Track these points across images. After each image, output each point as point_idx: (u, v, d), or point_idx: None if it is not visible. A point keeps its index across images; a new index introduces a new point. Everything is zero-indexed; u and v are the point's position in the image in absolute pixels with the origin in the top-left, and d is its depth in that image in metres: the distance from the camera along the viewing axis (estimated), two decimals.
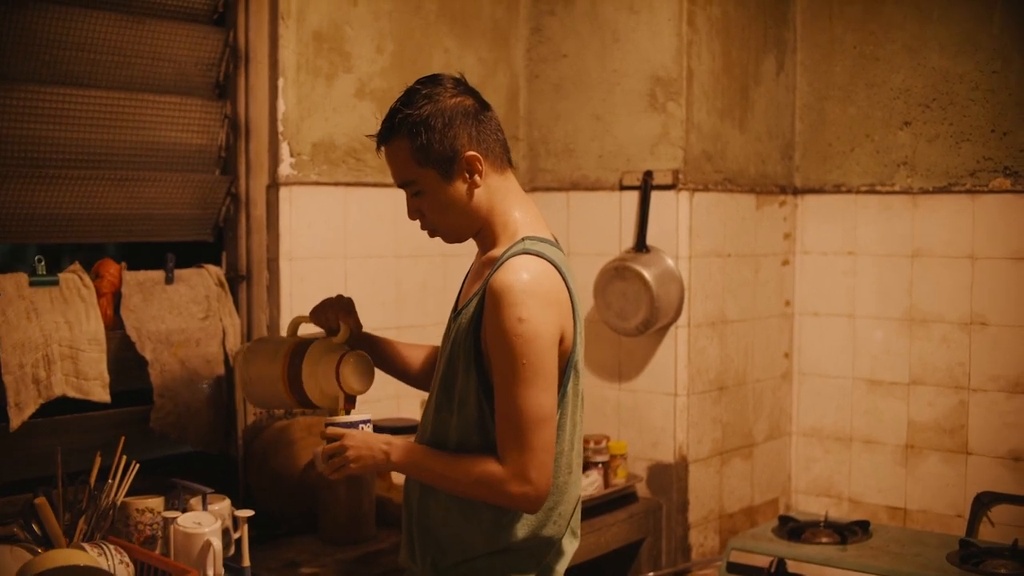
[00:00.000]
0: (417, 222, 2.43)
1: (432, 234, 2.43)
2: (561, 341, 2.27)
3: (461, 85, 2.37)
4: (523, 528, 2.34)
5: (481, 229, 2.39)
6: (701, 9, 3.77)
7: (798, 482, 4.30)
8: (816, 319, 4.23)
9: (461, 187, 2.32)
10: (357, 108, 3.55)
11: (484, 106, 2.37)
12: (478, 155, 2.32)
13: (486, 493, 2.26)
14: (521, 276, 2.21)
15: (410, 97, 2.33)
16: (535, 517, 2.34)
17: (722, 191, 3.90)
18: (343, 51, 3.50)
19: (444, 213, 2.35)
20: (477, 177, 2.32)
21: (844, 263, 4.16)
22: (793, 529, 3.70)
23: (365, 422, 2.49)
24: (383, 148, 2.37)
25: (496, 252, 2.35)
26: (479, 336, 2.28)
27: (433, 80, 2.36)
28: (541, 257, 2.26)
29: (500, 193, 2.37)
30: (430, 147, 2.29)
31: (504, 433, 2.22)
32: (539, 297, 2.21)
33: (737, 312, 4.00)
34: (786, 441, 4.28)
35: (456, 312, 2.42)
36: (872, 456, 4.10)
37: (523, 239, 2.32)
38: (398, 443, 2.38)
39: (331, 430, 2.43)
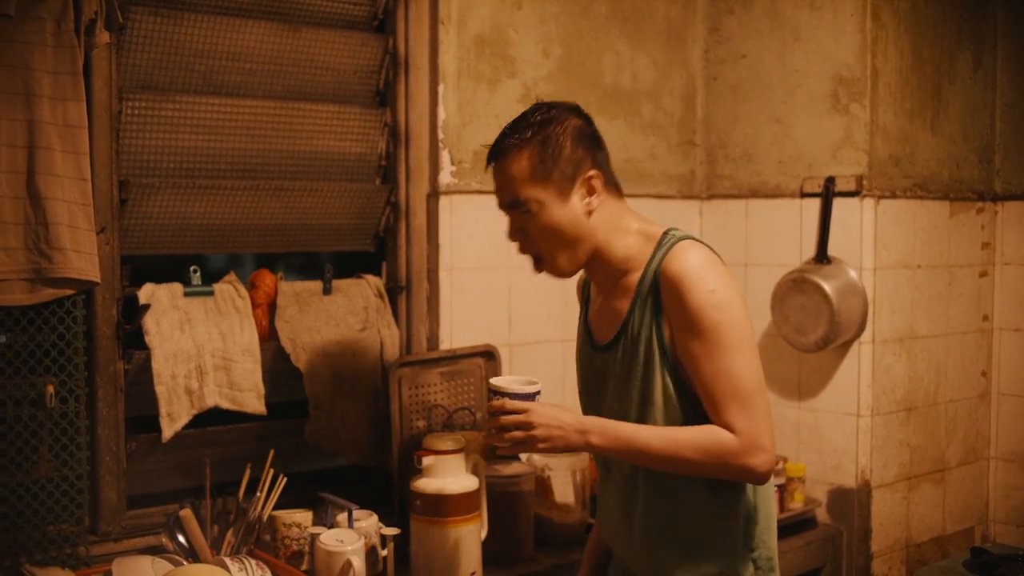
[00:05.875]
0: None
1: (536, 262, 2.30)
2: None
3: (582, 112, 2.30)
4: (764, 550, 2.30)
5: (596, 256, 2.27)
6: (888, 3, 3.54)
7: (996, 511, 4.01)
8: (1018, 335, 3.94)
9: (578, 206, 2.22)
10: None
11: (599, 137, 2.30)
12: (599, 175, 2.24)
13: (716, 467, 2.13)
14: (694, 255, 2.16)
15: (531, 115, 2.26)
16: (771, 532, 2.31)
17: (911, 198, 3.66)
18: (507, 56, 3.41)
19: (554, 234, 2.23)
20: (594, 199, 2.23)
21: None
22: (986, 563, 3.46)
23: (537, 393, 2.22)
24: (496, 164, 2.29)
25: (638, 266, 2.25)
26: (663, 344, 2.18)
27: (552, 104, 2.29)
28: (699, 242, 2.21)
29: (617, 215, 2.28)
30: (553, 163, 2.20)
31: (724, 404, 2.11)
32: (720, 268, 2.18)
33: (928, 327, 3.74)
34: (983, 466, 3.99)
35: (607, 344, 2.30)
36: None
37: (668, 231, 2.25)
38: (593, 423, 2.19)
39: (511, 403, 2.18)
